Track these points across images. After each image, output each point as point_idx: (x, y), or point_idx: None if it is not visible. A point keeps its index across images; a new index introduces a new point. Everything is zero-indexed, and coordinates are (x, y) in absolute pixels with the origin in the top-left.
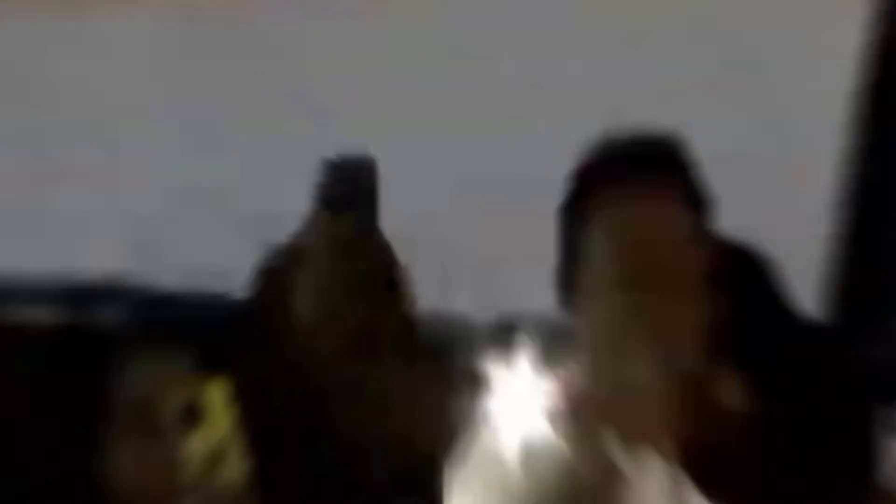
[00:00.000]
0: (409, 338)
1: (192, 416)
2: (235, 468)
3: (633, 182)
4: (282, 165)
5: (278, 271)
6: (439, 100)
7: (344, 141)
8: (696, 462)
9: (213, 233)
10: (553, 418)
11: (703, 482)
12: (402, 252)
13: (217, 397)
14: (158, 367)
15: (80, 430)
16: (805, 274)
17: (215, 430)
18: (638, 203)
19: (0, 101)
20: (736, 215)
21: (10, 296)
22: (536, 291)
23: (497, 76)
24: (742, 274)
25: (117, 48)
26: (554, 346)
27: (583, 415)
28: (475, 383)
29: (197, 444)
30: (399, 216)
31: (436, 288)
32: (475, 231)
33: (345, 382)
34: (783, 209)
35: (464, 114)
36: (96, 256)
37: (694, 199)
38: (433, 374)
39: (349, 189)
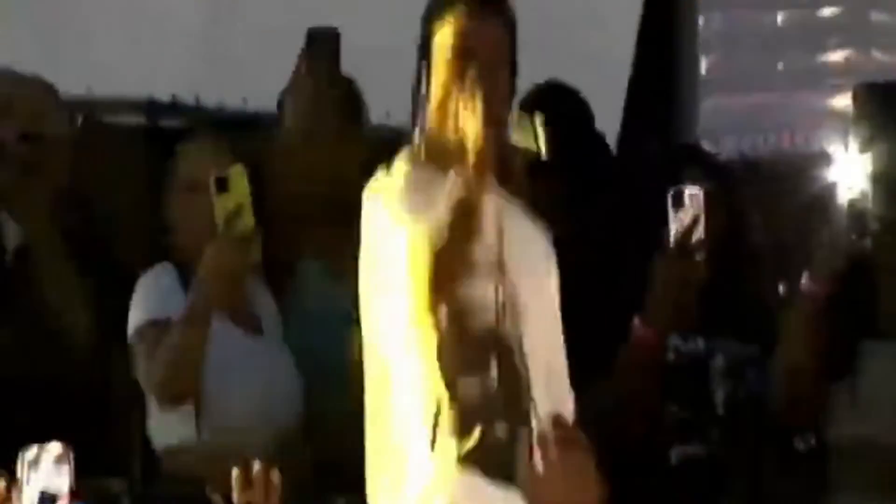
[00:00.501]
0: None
1: (222, 184)
2: (248, 221)
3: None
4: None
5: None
6: None
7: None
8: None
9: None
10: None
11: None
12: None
13: (238, 175)
14: (202, 154)
15: (154, 195)
16: None
17: (236, 196)
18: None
19: None
20: None
21: (106, 106)
22: None
23: None
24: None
25: None
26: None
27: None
28: None
29: (223, 203)
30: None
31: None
32: None
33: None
34: None
35: None
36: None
37: (509, 22)
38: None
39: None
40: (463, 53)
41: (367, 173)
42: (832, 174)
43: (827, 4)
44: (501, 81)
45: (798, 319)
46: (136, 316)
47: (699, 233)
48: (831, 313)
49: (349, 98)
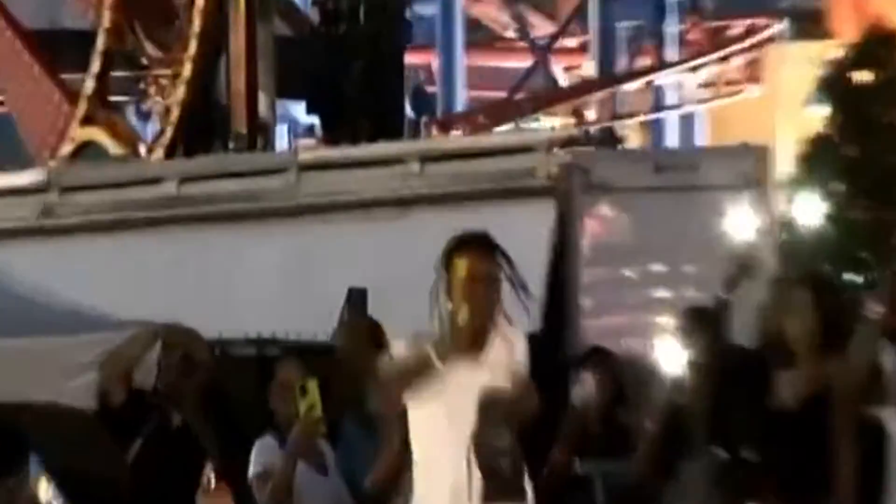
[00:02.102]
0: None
1: (303, 390)
2: (318, 413)
3: (469, 249)
4: None
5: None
6: None
7: None
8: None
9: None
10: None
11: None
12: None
13: (313, 385)
14: (290, 371)
15: (265, 392)
16: None
17: (311, 398)
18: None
19: None
20: None
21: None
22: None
23: None
24: None
25: None
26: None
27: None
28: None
29: (304, 401)
30: None
31: None
32: None
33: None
34: None
35: None
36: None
37: (500, 254)
38: None
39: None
40: (471, 280)
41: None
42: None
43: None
44: (495, 298)
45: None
46: (254, 466)
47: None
48: None
49: (376, 332)
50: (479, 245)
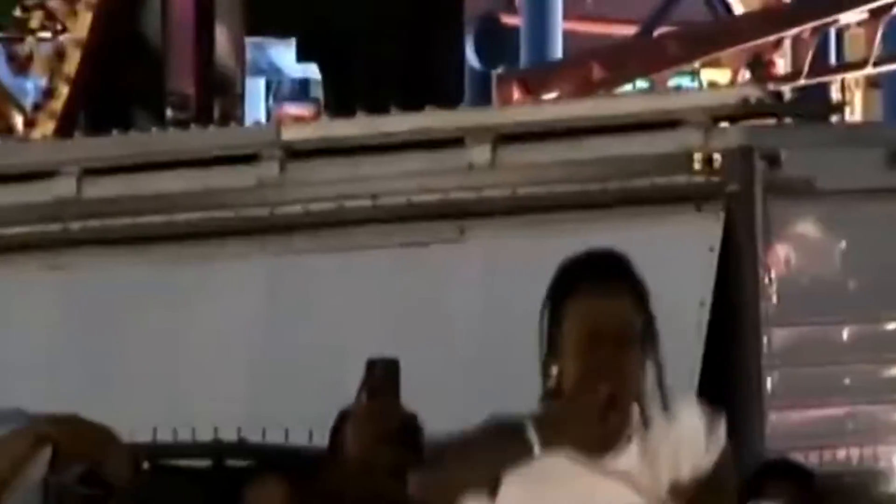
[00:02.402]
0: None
1: None
2: None
3: (591, 287)
4: None
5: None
6: None
7: None
8: None
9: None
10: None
11: None
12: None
13: None
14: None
15: None
16: None
17: None
18: (595, 298)
19: None
20: None
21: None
22: None
23: None
24: None
25: None
26: None
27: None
28: None
29: None
30: None
31: None
32: None
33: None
34: None
35: None
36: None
37: (638, 294)
38: None
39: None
40: (589, 337)
41: None
42: None
43: (891, 319)
44: (631, 361)
45: None
46: None
47: None
48: None
49: (408, 430)
50: (611, 276)
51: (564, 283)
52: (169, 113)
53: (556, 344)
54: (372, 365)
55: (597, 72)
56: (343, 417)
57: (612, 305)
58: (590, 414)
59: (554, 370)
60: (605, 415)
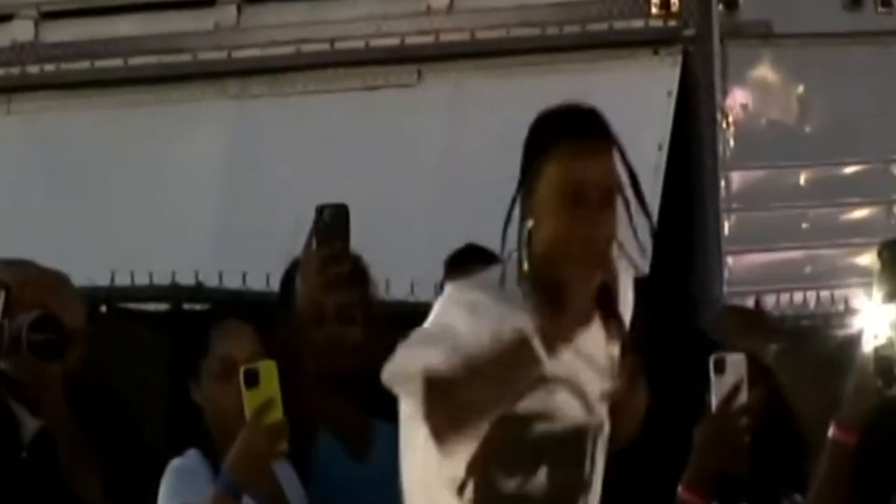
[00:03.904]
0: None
1: (252, 379)
2: (277, 415)
3: (573, 139)
4: None
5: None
6: None
7: None
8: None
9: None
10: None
11: None
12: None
13: (269, 370)
14: (231, 341)
15: (181, 380)
16: None
17: (266, 391)
18: (577, 153)
19: None
20: None
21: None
22: None
23: None
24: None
25: None
26: None
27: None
28: None
29: (253, 398)
30: None
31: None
32: None
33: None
34: None
35: None
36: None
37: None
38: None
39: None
40: (571, 193)
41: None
42: (857, 325)
43: (848, 163)
44: (609, 220)
45: (825, 469)
46: (166, 502)
47: (742, 398)
48: (862, 464)
49: (356, 275)
50: (592, 130)
51: (544, 137)
52: None
53: (531, 200)
54: (320, 211)
55: None
56: (295, 265)
57: (595, 162)
58: (575, 285)
59: (528, 224)
60: (589, 280)
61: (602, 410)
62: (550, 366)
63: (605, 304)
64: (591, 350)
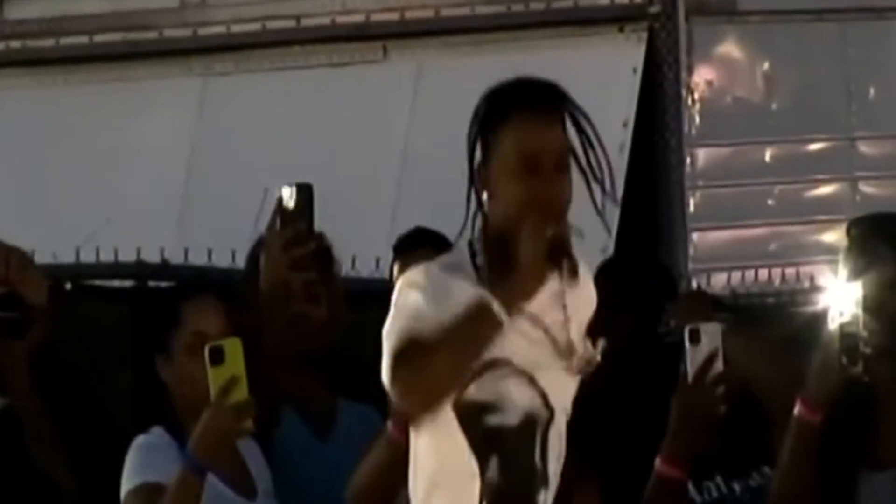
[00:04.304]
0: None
1: (217, 356)
2: (243, 393)
3: (524, 109)
4: None
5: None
6: None
7: None
8: None
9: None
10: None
11: None
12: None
13: (234, 347)
14: (198, 318)
15: (147, 356)
16: None
17: (231, 368)
18: (528, 122)
19: None
20: None
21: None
22: None
23: None
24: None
25: None
26: None
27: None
28: None
29: (218, 375)
30: None
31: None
32: None
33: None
34: None
35: None
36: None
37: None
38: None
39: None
40: (525, 163)
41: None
42: (822, 302)
43: (813, 140)
44: (566, 186)
45: (791, 445)
46: (130, 479)
47: (718, 367)
48: (827, 441)
49: (320, 253)
50: (543, 99)
51: (495, 110)
52: None
53: (485, 174)
54: (284, 191)
55: None
56: (260, 244)
57: (547, 130)
58: (530, 245)
59: (484, 199)
60: (543, 237)
61: (558, 394)
62: (500, 348)
63: (559, 257)
64: (548, 320)
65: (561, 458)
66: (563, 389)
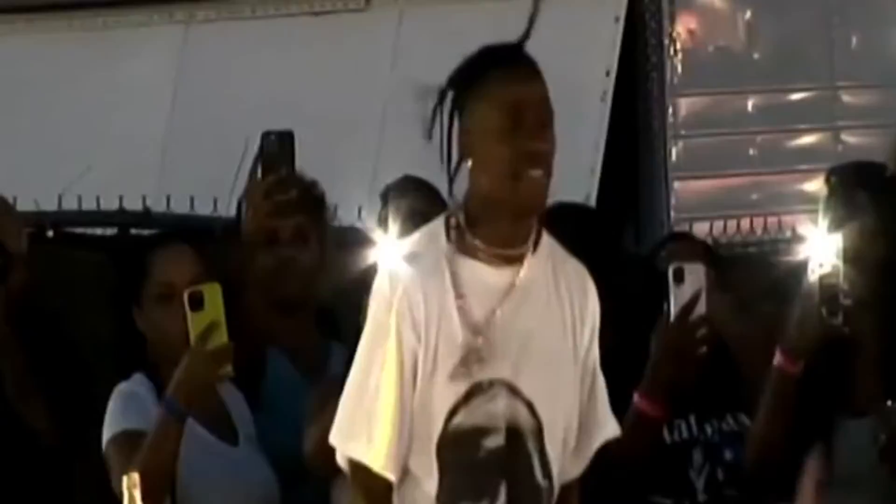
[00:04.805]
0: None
1: (196, 302)
2: (223, 338)
3: (502, 69)
4: None
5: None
6: None
7: None
8: None
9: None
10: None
11: None
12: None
13: (213, 292)
14: (173, 264)
15: (125, 303)
16: None
17: (211, 313)
18: (508, 79)
19: None
20: None
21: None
22: None
23: None
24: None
25: None
26: None
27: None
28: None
29: (198, 321)
30: None
31: None
32: None
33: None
34: None
35: None
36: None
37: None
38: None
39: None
40: (508, 118)
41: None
42: (803, 253)
43: (795, 90)
44: (550, 139)
45: (770, 395)
46: (111, 426)
47: (701, 308)
48: (806, 390)
49: (308, 198)
50: (518, 56)
51: (470, 76)
52: None
53: (466, 139)
54: (265, 138)
55: None
56: (244, 195)
57: (528, 84)
58: (510, 204)
59: (467, 165)
60: (526, 204)
61: (551, 403)
62: (485, 369)
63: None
64: (536, 317)
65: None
66: (553, 393)
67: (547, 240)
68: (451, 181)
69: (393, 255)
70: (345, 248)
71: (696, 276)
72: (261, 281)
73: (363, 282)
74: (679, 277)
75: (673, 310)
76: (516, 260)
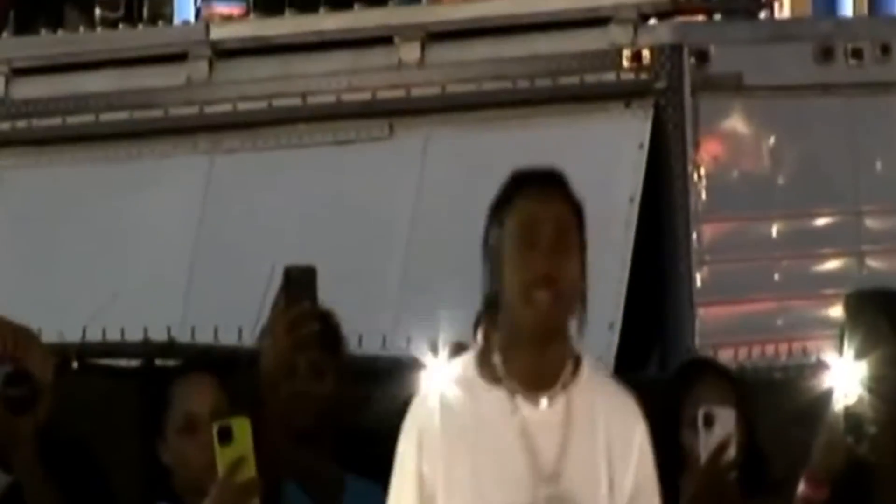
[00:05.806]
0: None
1: (225, 435)
2: (250, 473)
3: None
4: None
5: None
6: None
7: None
8: None
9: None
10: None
11: None
12: None
13: (242, 427)
14: (198, 395)
15: (151, 433)
16: None
17: (239, 448)
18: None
19: None
20: None
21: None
22: None
23: None
24: None
25: None
26: None
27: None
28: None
29: (226, 455)
30: None
31: None
32: None
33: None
34: None
35: None
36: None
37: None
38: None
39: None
40: (528, 235)
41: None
42: (828, 380)
43: (820, 214)
44: (565, 261)
45: None
46: None
47: (731, 453)
48: None
49: (326, 332)
50: (548, 184)
51: (504, 195)
52: (98, 12)
53: (495, 254)
54: (289, 272)
55: None
56: (266, 328)
57: (550, 208)
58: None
59: (495, 291)
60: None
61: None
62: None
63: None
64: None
65: None
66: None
67: (588, 372)
68: (485, 308)
69: (421, 384)
70: (369, 378)
71: (726, 420)
72: (277, 413)
73: (394, 410)
74: (709, 422)
75: (703, 455)
76: (545, 391)
